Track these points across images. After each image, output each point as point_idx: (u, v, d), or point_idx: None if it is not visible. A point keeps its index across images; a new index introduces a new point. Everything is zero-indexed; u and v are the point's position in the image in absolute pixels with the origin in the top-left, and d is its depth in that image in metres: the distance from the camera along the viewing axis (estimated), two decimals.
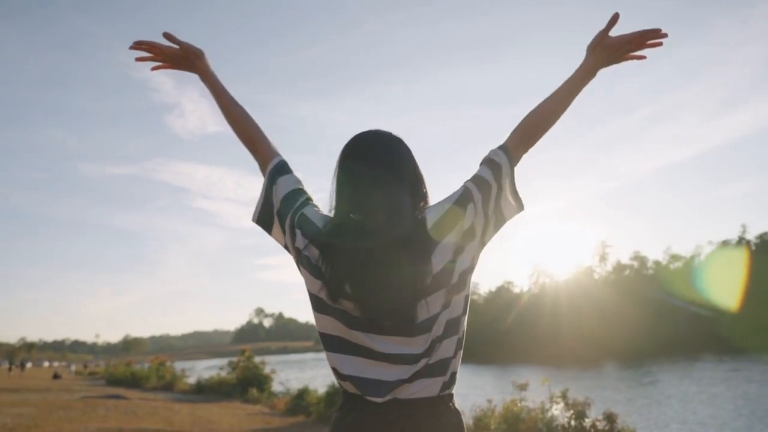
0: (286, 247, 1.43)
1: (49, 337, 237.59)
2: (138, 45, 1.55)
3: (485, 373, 41.35)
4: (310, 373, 40.55)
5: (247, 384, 19.61)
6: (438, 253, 1.27)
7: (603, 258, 77.30)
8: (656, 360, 43.74)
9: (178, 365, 37.46)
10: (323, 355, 1.36)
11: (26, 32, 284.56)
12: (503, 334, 68.30)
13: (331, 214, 1.35)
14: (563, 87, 1.49)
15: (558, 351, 57.47)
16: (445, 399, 1.29)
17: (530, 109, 1.49)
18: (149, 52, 1.57)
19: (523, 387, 11.75)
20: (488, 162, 1.44)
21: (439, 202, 1.39)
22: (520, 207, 1.45)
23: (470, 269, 1.34)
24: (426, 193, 1.39)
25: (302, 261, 1.33)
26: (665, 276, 72.23)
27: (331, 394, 12.60)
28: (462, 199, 1.37)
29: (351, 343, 1.27)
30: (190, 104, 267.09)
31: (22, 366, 54.88)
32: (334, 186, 1.35)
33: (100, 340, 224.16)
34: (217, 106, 1.57)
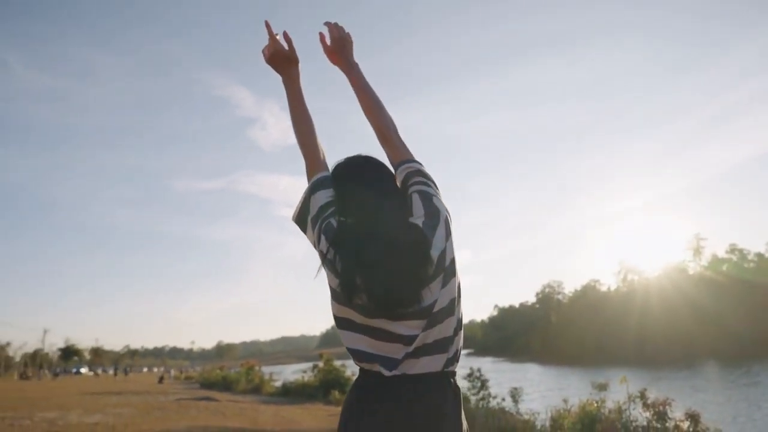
0: (315, 247, 1.63)
1: (150, 344, 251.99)
2: (267, 26, 1.79)
3: (571, 375, 40.21)
4: None
5: (329, 386, 20.20)
6: (434, 246, 1.48)
7: (698, 252, 72.92)
8: (759, 360, 40.92)
9: (267, 369, 38.92)
10: None
11: (115, 57, 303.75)
12: (591, 334, 66.09)
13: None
14: (355, 91, 1.81)
15: (650, 351, 54.98)
16: (448, 375, 1.47)
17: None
18: (269, 37, 1.78)
19: (602, 387, 11.41)
20: (408, 176, 1.66)
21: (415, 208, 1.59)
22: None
23: (454, 254, 1.54)
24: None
25: (325, 262, 1.53)
26: None
27: None
28: (426, 197, 1.58)
29: (363, 325, 1.46)
30: (271, 117, 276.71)
31: (125, 372, 60.29)
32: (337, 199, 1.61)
33: (196, 347, 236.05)
34: (289, 112, 1.79)
